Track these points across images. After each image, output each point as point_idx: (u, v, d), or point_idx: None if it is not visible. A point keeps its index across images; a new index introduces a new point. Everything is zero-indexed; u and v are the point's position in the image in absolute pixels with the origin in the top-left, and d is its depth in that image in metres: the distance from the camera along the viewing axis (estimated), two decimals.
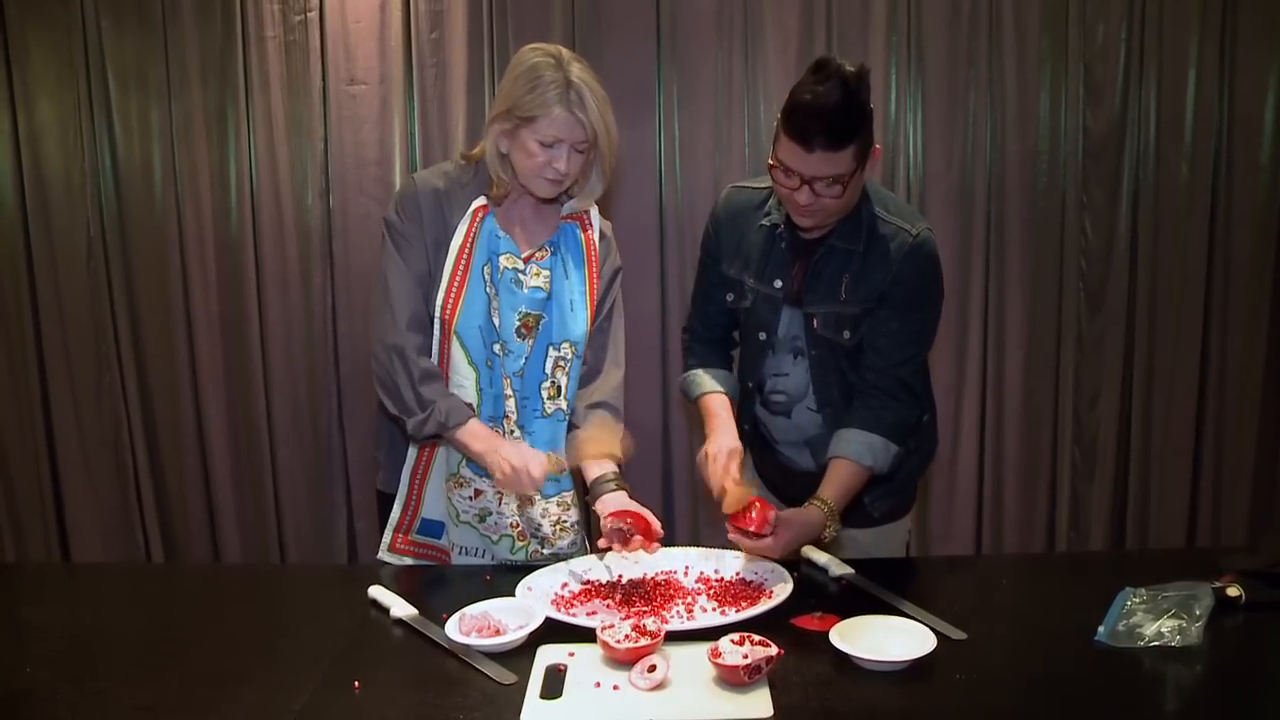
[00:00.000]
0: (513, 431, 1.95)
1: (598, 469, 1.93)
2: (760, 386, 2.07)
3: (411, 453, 2.00)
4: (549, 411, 1.98)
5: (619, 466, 1.95)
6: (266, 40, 3.15)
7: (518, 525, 2.00)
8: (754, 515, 1.77)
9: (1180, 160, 3.20)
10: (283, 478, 3.37)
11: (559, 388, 1.98)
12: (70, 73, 3.17)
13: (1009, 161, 3.20)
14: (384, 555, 2.05)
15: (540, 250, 1.96)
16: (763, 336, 2.03)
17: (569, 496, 2.05)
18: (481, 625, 1.59)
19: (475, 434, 1.87)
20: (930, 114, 3.18)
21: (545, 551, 2.01)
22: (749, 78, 3.16)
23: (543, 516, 2.01)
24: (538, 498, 1.99)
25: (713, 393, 2.06)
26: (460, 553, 2.01)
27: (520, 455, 1.81)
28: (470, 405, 1.92)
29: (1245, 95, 3.16)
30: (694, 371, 2.12)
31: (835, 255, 1.92)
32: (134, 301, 3.31)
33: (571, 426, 2.02)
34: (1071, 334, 3.29)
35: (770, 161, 1.83)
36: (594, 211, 2.03)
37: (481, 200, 1.92)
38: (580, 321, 1.97)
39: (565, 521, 2.03)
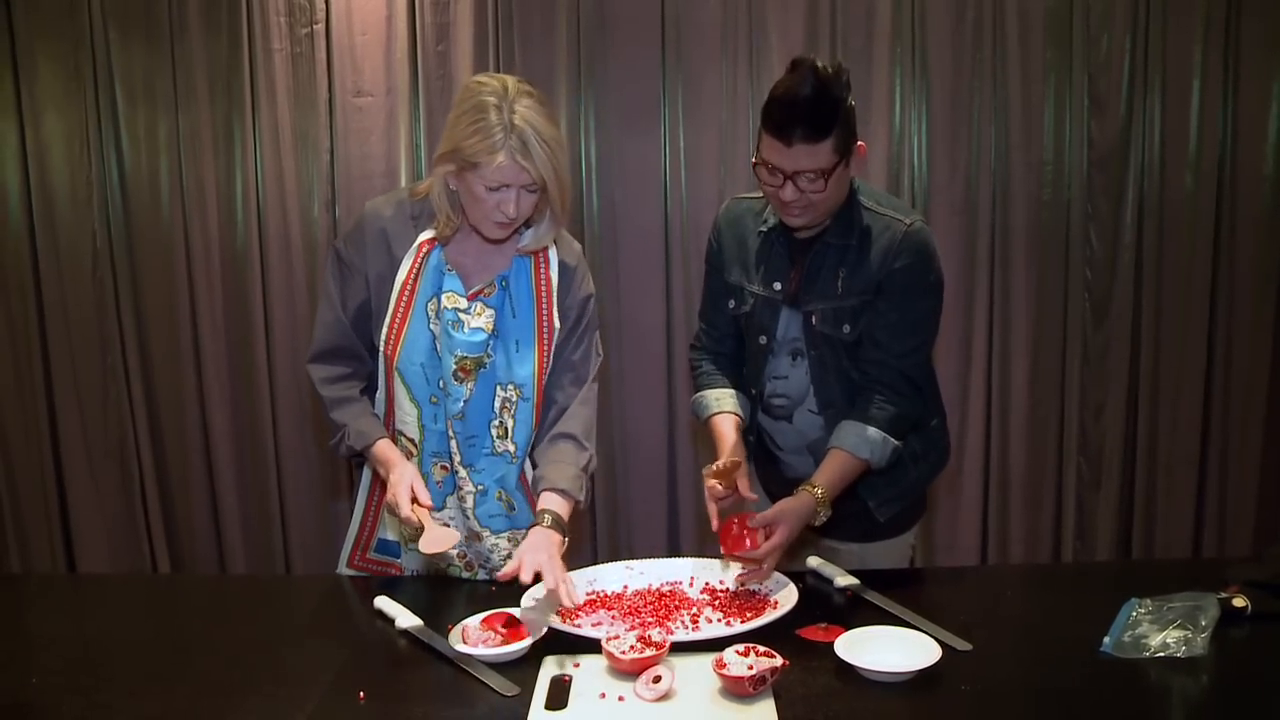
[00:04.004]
0: (456, 471, 1.89)
1: (543, 503, 1.80)
2: (762, 392, 2.07)
3: (367, 471, 1.97)
4: (499, 450, 1.90)
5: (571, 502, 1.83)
6: (273, 52, 3.16)
7: (465, 555, 1.97)
8: (735, 532, 1.78)
9: (1185, 170, 3.20)
10: (288, 488, 3.38)
11: (506, 429, 1.89)
12: (78, 85, 3.19)
13: (1013, 172, 3.20)
14: (342, 570, 2.03)
15: (488, 287, 1.85)
16: (762, 340, 2.02)
17: (520, 534, 1.91)
18: (486, 636, 1.59)
19: (378, 458, 1.83)
20: (935, 124, 3.19)
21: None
22: (754, 90, 3.16)
23: (491, 550, 1.96)
24: (486, 534, 1.93)
25: (721, 413, 2.03)
26: (414, 576, 2.00)
27: (393, 493, 1.73)
28: (411, 439, 1.88)
29: (1249, 105, 3.16)
30: (702, 393, 2.10)
31: (830, 252, 1.93)
32: (140, 312, 3.32)
33: (536, 462, 1.92)
34: (1077, 344, 3.29)
35: (754, 160, 1.84)
36: (553, 245, 1.90)
37: (429, 234, 1.83)
38: (526, 363, 1.87)
39: None
